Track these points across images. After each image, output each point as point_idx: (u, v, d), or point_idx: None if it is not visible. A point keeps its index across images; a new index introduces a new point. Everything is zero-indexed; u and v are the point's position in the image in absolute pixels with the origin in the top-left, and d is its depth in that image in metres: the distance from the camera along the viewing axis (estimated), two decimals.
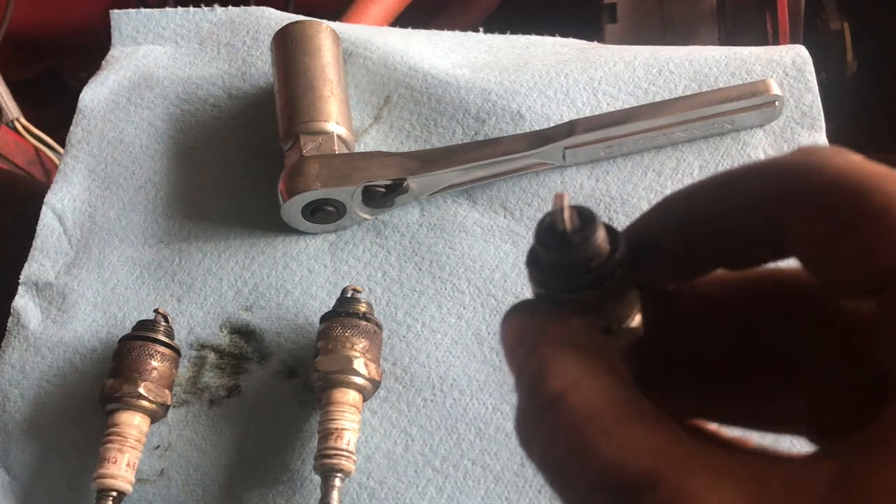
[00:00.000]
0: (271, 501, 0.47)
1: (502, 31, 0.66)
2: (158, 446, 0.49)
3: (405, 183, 0.52)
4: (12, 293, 0.55)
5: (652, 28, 0.86)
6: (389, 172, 0.52)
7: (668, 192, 0.52)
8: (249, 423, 0.49)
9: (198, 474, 0.48)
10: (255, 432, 0.49)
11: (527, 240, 0.52)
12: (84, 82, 1.37)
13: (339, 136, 0.54)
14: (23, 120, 1.04)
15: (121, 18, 0.67)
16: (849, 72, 0.88)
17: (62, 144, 1.04)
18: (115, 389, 0.47)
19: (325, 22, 0.59)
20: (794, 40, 0.80)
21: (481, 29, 0.66)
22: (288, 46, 0.57)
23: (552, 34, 0.65)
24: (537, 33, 0.65)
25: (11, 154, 1.02)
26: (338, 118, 0.54)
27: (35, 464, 0.49)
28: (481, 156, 0.52)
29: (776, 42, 0.80)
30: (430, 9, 1.04)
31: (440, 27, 0.66)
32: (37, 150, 1.05)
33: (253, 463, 0.48)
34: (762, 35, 0.82)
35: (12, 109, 1.04)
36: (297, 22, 0.58)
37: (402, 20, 0.86)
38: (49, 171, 1.07)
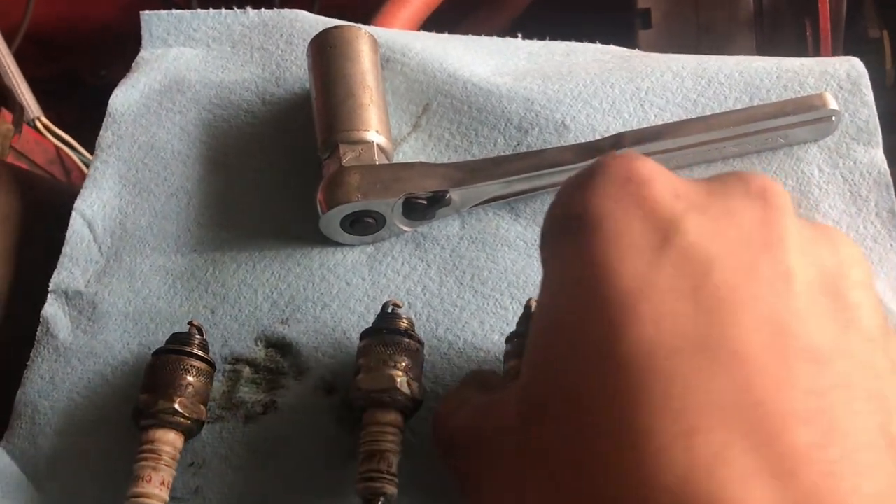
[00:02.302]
0: None
1: (531, 36, 0.64)
2: (192, 463, 0.48)
3: (448, 195, 0.51)
4: (41, 301, 0.54)
5: (687, 34, 0.84)
6: (432, 184, 0.51)
7: None
8: (286, 441, 0.47)
9: (233, 493, 0.46)
10: (293, 450, 0.47)
11: None
12: (103, 81, 1.36)
13: (378, 146, 0.52)
14: (43, 118, 1.03)
15: (151, 20, 0.65)
16: (888, 81, 0.86)
17: (81, 143, 1.03)
18: (149, 405, 0.46)
19: (363, 27, 0.58)
20: (833, 49, 0.79)
21: (519, 35, 0.65)
22: (326, 52, 0.55)
23: (583, 39, 0.63)
24: (568, 38, 0.64)
25: (32, 153, 1.01)
26: (378, 127, 0.53)
27: (65, 479, 0.48)
28: (526, 167, 0.51)
29: (816, 50, 0.78)
30: (459, 10, 1.03)
31: (470, 29, 0.65)
32: (57, 148, 1.04)
33: (290, 482, 0.46)
34: (801, 43, 0.80)
35: (33, 108, 1.03)
36: (335, 27, 0.56)
37: (431, 22, 0.85)
38: (69, 169, 1.05)
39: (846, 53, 0.57)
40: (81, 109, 1.25)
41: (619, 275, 0.27)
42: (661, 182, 0.30)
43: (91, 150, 1.05)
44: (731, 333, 0.26)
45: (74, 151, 1.03)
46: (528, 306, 0.46)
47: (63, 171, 1.05)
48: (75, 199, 0.58)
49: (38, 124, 1.02)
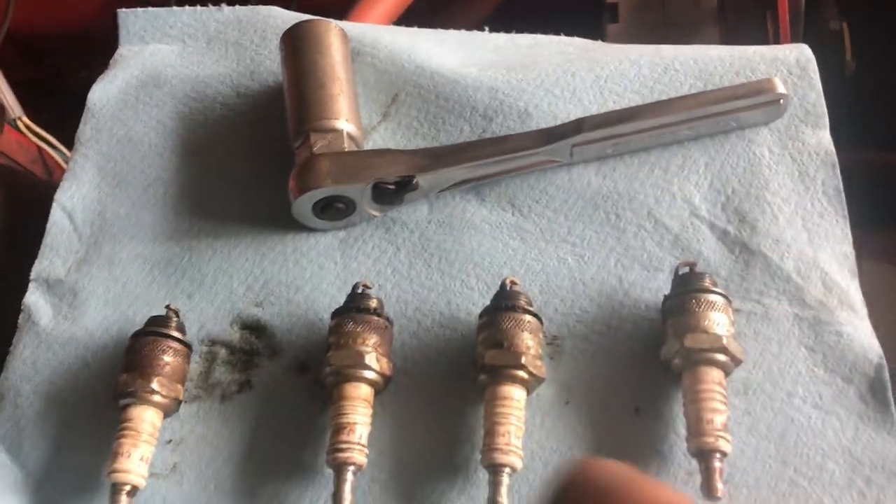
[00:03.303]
0: (283, 496, 0.47)
1: (505, 31, 0.66)
2: (171, 441, 0.49)
3: (415, 180, 0.53)
4: (23, 290, 0.55)
5: (653, 28, 0.87)
6: (399, 169, 0.53)
7: (674, 188, 0.53)
8: (261, 419, 0.49)
9: (210, 469, 0.48)
10: (267, 427, 0.49)
11: (535, 236, 0.53)
12: (84, 82, 1.37)
13: (348, 134, 0.54)
14: (25, 119, 1.04)
15: (128, 17, 0.67)
16: (847, 72, 0.89)
17: (63, 143, 1.04)
18: (128, 384, 0.48)
19: (333, 21, 0.60)
20: (794, 40, 0.81)
21: (486, 28, 0.67)
22: (297, 45, 0.57)
23: (554, 33, 0.65)
24: (539, 32, 0.66)
25: (14, 153, 1.02)
26: (347, 116, 0.55)
27: (48, 459, 0.50)
28: (490, 153, 0.53)
29: (776, 42, 0.81)
30: (432, 7, 1.05)
31: (442, 26, 0.67)
32: (39, 148, 1.05)
33: (265, 458, 0.48)
34: (762, 35, 0.82)
35: (14, 108, 1.04)
36: (306, 21, 0.58)
37: (405, 19, 0.87)
38: (51, 169, 1.07)
39: (807, 45, 0.59)
40: (62, 110, 1.26)
41: None
42: None
43: (72, 149, 1.06)
44: None
45: (56, 151, 1.04)
46: (503, 284, 0.48)
47: (45, 171, 1.06)
48: (54, 192, 0.59)
49: (20, 124, 1.03)
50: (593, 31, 0.88)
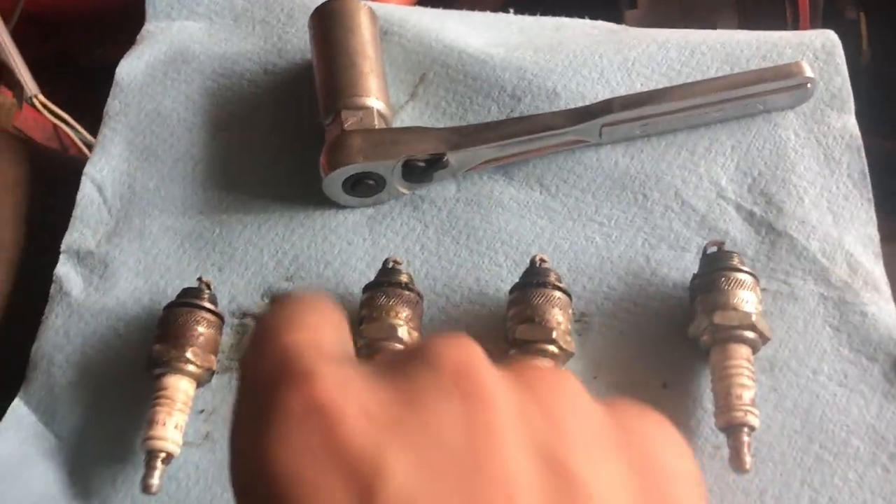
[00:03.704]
0: None
1: (522, 13, 0.67)
2: (203, 410, 0.50)
3: (445, 158, 0.53)
4: (54, 262, 0.56)
5: (671, 14, 0.87)
6: (430, 146, 0.53)
7: (701, 169, 0.53)
8: None
9: None
10: None
11: (562, 215, 0.54)
12: (98, 61, 1.37)
13: (378, 112, 0.55)
14: (41, 97, 1.04)
15: None
16: (863, 61, 0.89)
17: (77, 120, 1.05)
18: (162, 354, 0.48)
19: (362, 0, 0.60)
20: (812, 27, 0.81)
21: (511, 10, 0.67)
22: (327, 23, 0.58)
23: (571, 17, 0.66)
24: (557, 16, 0.66)
25: (30, 130, 1.03)
26: (377, 94, 0.55)
27: (81, 427, 0.51)
28: (521, 131, 0.53)
29: (795, 29, 0.81)
30: None
31: (460, 8, 0.67)
32: (54, 126, 1.05)
33: None
34: (781, 22, 0.83)
35: (31, 86, 1.04)
36: (336, 0, 0.59)
37: (426, 3, 0.87)
38: (66, 147, 1.07)
39: None
40: (76, 88, 1.26)
41: None
42: (350, 409, 0.24)
43: (87, 128, 1.07)
44: None
45: (71, 129, 1.04)
46: (532, 261, 0.49)
47: (60, 149, 1.06)
48: (77, 168, 0.60)
49: (36, 102, 1.04)
50: (610, 16, 0.88)
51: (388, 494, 0.23)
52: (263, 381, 0.26)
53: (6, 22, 1.07)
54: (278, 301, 0.33)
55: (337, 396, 0.25)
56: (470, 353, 0.27)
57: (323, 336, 0.28)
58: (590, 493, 0.24)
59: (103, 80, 0.66)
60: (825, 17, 0.87)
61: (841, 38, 0.58)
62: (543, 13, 0.67)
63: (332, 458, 0.24)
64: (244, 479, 0.26)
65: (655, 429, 0.29)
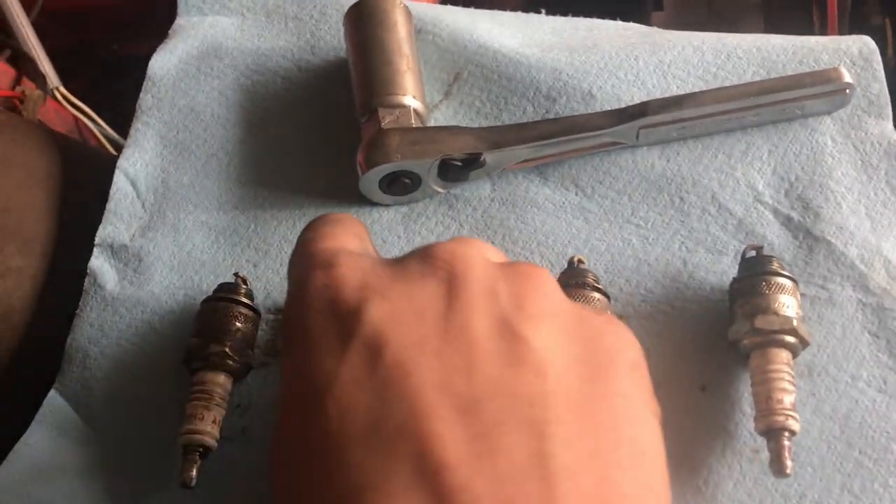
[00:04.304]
0: None
1: (547, 13, 0.67)
2: (239, 405, 0.50)
3: (482, 157, 0.53)
4: (87, 255, 0.56)
5: (697, 16, 0.87)
6: (467, 146, 0.53)
7: (738, 173, 0.53)
8: None
9: None
10: None
11: (598, 216, 0.54)
12: (115, 54, 1.37)
13: (415, 111, 0.55)
14: (62, 89, 1.04)
15: None
16: (889, 66, 0.89)
17: (96, 113, 1.05)
18: (201, 348, 0.48)
19: None
20: (840, 33, 0.82)
21: (543, 11, 0.67)
22: (363, 20, 0.58)
23: (598, 17, 0.66)
24: (582, 16, 0.66)
25: (52, 122, 1.03)
26: (414, 92, 0.55)
27: (117, 419, 0.51)
28: (558, 131, 0.53)
29: (823, 34, 0.81)
30: None
31: (479, 5, 0.67)
32: (76, 119, 1.06)
33: None
34: (807, 27, 0.83)
35: (52, 78, 1.04)
36: None
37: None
38: (87, 140, 1.07)
39: None
40: (93, 82, 1.27)
41: (312, 375, 0.31)
42: (351, 282, 0.33)
43: (106, 121, 1.07)
44: (399, 408, 0.28)
45: (92, 122, 1.05)
46: (570, 262, 0.49)
47: (81, 140, 1.06)
48: (104, 160, 0.60)
49: (58, 94, 1.04)
50: (636, 18, 0.88)
51: (362, 332, 0.30)
52: (298, 275, 0.36)
53: (28, 14, 1.07)
54: (312, 221, 0.40)
55: (345, 273, 0.33)
56: (465, 246, 0.34)
57: (346, 242, 0.37)
58: (532, 349, 0.30)
59: (120, 73, 0.66)
60: (851, 23, 0.87)
61: None
62: (568, 12, 0.67)
63: (331, 313, 0.32)
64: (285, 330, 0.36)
65: (609, 325, 0.35)
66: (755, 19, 0.85)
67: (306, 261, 0.36)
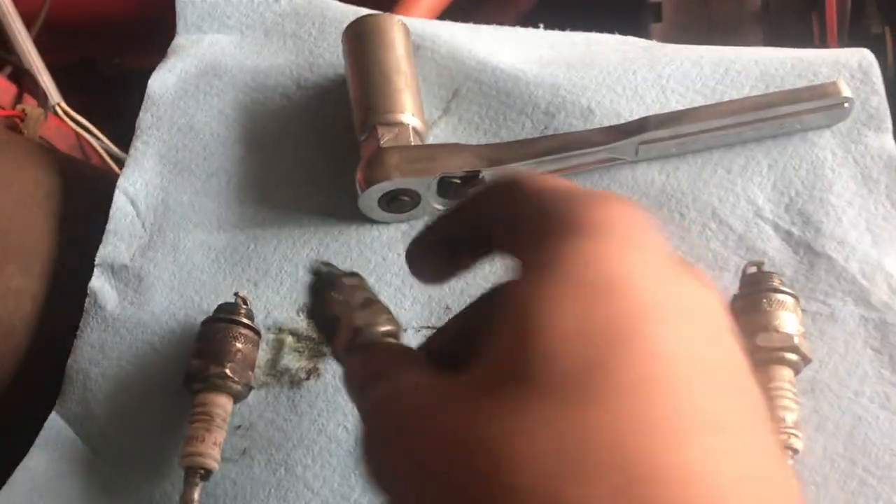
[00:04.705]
0: (353, 481, 0.48)
1: (544, 27, 0.67)
2: (240, 426, 0.50)
3: (481, 174, 0.53)
4: (87, 275, 0.56)
5: (697, 28, 0.87)
6: (466, 163, 0.53)
7: (738, 188, 0.53)
8: (330, 405, 0.50)
9: (280, 454, 0.49)
10: (336, 414, 0.50)
11: None
12: (116, 69, 1.37)
13: (414, 128, 0.55)
14: (63, 105, 1.04)
15: (186, 6, 0.68)
16: (890, 75, 0.89)
17: (98, 129, 1.05)
18: (201, 370, 0.48)
19: (396, 15, 0.60)
20: (839, 43, 0.81)
21: (541, 25, 0.67)
22: (361, 39, 0.58)
23: (597, 31, 0.66)
24: (579, 30, 0.66)
25: (53, 139, 1.03)
26: (413, 110, 0.55)
27: (117, 441, 0.51)
28: (557, 148, 0.53)
29: (822, 44, 0.81)
30: (470, 4, 1.05)
31: (481, 22, 0.67)
32: (77, 135, 1.06)
33: (335, 443, 0.49)
34: (807, 36, 0.83)
35: (54, 94, 1.04)
36: (370, 15, 0.59)
37: (446, 13, 0.87)
38: (89, 156, 1.07)
39: (850, 48, 0.59)
40: (94, 97, 1.27)
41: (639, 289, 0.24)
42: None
43: (108, 136, 1.07)
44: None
45: (94, 137, 1.05)
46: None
47: (83, 157, 1.07)
48: (105, 179, 0.60)
49: (59, 110, 1.04)
50: (635, 30, 0.88)
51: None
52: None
53: (29, 30, 1.08)
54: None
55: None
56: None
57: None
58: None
59: (122, 88, 0.66)
60: (851, 32, 0.87)
61: None
62: (570, 26, 0.67)
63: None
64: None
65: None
66: (754, 30, 0.85)
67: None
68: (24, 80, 1.06)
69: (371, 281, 0.54)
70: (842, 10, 0.80)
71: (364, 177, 0.53)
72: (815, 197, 0.52)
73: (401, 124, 0.54)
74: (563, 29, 0.66)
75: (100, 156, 1.06)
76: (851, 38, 0.87)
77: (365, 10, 0.64)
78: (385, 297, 0.53)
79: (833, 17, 0.78)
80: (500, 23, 0.67)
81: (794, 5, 0.84)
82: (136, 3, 1.19)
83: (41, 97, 1.02)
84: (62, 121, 1.06)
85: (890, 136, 0.54)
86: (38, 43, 1.06)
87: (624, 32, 0.65)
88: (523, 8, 1.10)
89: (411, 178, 0.53)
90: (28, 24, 1.06)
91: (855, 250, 0.50)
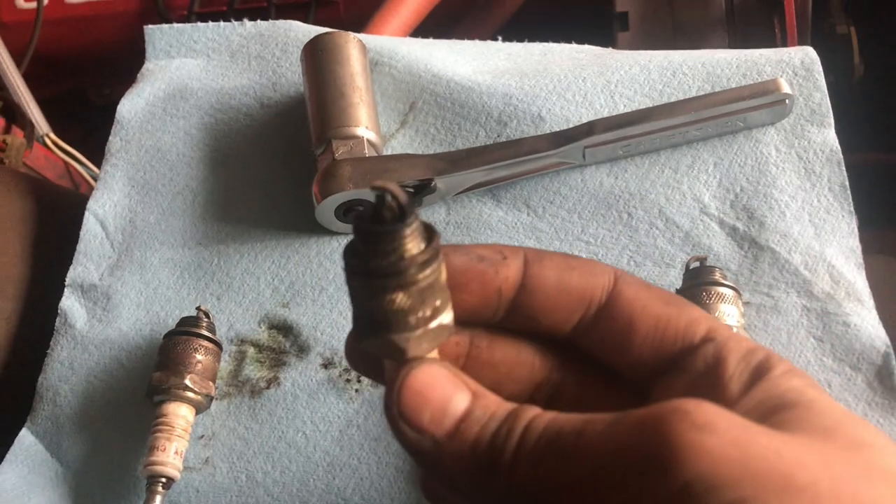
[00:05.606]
0: (312, 486, 0.49)
1: (518, 41, 0.68)
2: (203, 436, 0.51)
3: (433, 183, 0.55)
4: (58, 295, 0.58)
5: (663, 34, 0.89)
6: (418, 172, 0.55)
7: (684, 187, 0.54)
8: (289, 413, 0.51)
9: (241, 462, 0.50)
10: (295, 421, 0.51)
11: (550, 235, 0.55)
12: (107, 99, 1.40)
13: (368, 141, 0.56)
14: (52, 135, 1.07)
15: (154, 34, 0.70)
16: (856, 75, 0.90)
17: (88, 158, 1.07)
18: (162, 381, 0.50)
19: (352, 33, 0.62)
20: (801, 44, 0.82)
21: (499, 38, 0.69)
22: (318, 56, 0.60)
23: (566, 42, 0.67)
24: (551, 41, 0.68)
25: (42, 168, 1.05)
26: (367, 123, 0.57)
27: (86, 454, 0.52)
28: (505, 155, 0.55)
29: (784, 45, 0.82)
30: (446, 21, 1.07)
31: (457, 38, 0.69)
32: (66, 164, 1.08)
33: (294, 449, 0.50)
34: (771, 39, 0.84)
35: (42, 125, 1.07)
36: (326, 33, 0.61)
37: (420, 31, 0.89)
38: (78, 184, 1.10)
39: (816, 49, 0.60)
40: (86, 127, 1.30)
41: None
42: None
43: (98, 165, 1.09)
44: None
45: (82, 166, 1.07)
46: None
47: (72, 185, 1.09)
48: (84, 203, 0.62)
49: (48, 141, 1.06)
50: (604, 39, 0.90)
51: None
52: None
53: (18, 64, 1.10)
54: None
55: None
56: None
57: None
58: None
59: (113, 117, 0.68)
60: (816, 32, 0.88)
61: (833, 53, 0.59)
62: (541, 37, 0.68)
63: None
64: None
65: None
66: (719, 33, 0.86)
67: None
68: (12, 114, 1.09)
69: (331, 291, 0.56)
70: (802, 12, 0.82)
71: (319, 189, 0.54)
72: (759, 192, 0.53)
73: (355, 137, 0.56)
74: (533, 40, 0.68)
75: (88, 183, 1.09)
76: (817, 38, 0.88)
77: (330, 30, 0.65)
78: (344, 306, 0.54)
79: (793, 19, 0.79)
80: (478, 37, 0.69)
81: (758, 9, 0.86)
82: (124, 35, 1.21)
83: (29, 129, 1.05)
84: (51, 151, 1.09)
85: (832, 130, 0.55)
86: (29, 76, 1.09)
87: (592, 42, 0.67)
88: (499, 22, 1.12)
89: (364, 188, 0.54)
90: (17, 59, 1.09)
91: (798, 243, 0.51)
